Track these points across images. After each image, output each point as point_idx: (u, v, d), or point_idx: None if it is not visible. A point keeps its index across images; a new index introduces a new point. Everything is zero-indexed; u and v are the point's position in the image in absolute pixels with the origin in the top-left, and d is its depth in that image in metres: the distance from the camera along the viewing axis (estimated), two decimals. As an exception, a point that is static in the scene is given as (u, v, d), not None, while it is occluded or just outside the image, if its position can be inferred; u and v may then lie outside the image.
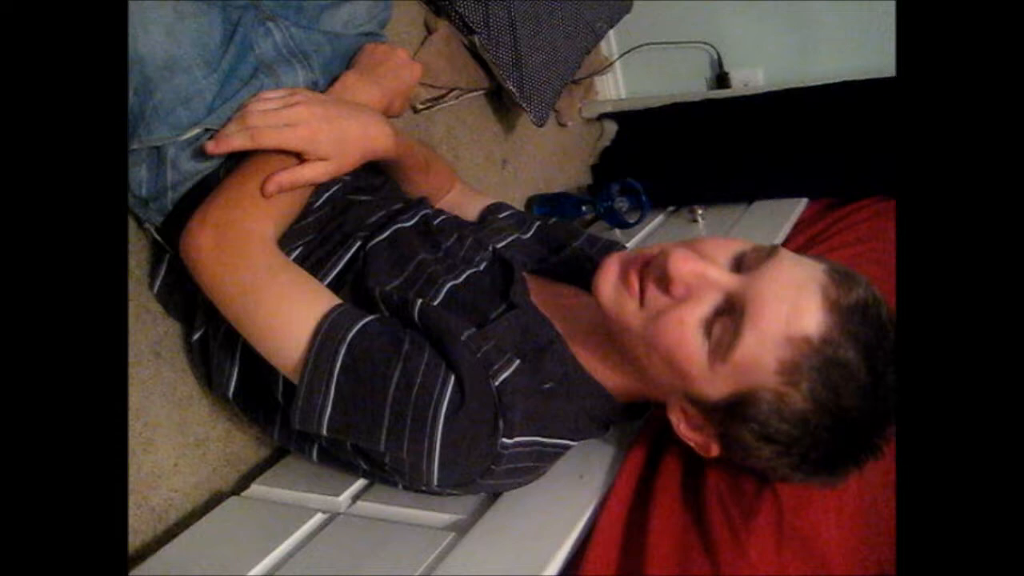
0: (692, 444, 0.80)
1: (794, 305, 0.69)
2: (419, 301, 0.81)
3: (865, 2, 1.79)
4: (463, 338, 0.77)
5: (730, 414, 0.74)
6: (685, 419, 0.80)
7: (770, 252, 0.74)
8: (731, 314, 0.72)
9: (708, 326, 0.73)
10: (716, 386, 0.73)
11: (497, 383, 0.76)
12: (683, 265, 0.73)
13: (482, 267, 0.94)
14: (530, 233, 1.05)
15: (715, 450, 0.79)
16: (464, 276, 0.90)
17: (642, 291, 0.76)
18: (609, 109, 2.11)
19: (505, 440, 0.76)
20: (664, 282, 0.75)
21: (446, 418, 0.73)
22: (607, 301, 0.79)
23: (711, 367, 0.73)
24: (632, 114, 2.07)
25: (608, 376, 0.85)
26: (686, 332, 0.73)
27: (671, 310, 0.74)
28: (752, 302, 0.70)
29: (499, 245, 0.99)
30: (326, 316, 0.78)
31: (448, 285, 0.88)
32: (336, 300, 0.81)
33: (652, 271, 0.76)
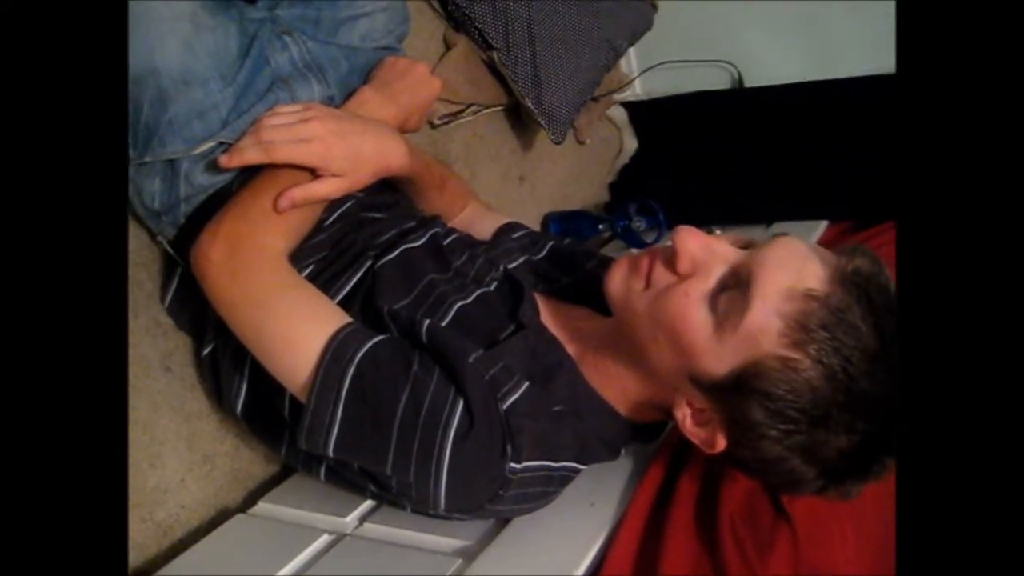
0: (697, 441, 0.78)
1: (798, 269, 0.70)
2: (427, 321, 0.80)
3: (885, 22, 1.77)
4: (471, 360, 0.76)
5: (737, 390, 0.72)
6: (691, 414, 0.78)
7: (774, 236, 0.75)
8: (737, 287, 0.72)
9: (713, 300, 0.73)
10: (723, 360, 0.72)
11: (506, 406, 0.75)
12: (689, 239, 0.75)
13: (492, 287, 0.92)
14: (543, 254, 1.04)
15: (721, 443, 0.76)
16: (474, 296, 0.89)
17: (649, 273, 0.77)
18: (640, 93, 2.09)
19: (514, 465, 0.74)
20: (671, 260, 0.76)
21: (454, 443, 0.72)
22: (615, 290, 0.80)
23: (718, 339, 0.72)
24: (649, 105, 2.06)
25: (618, 396, 0.83)
26: (691, 304, 0.73)
27: (677, 285, 0.75)
28: (758, 268, 0.71)
29: (510, 265, 0.97)
30: (335, 335, 0.77)
31: (457, 305, 0.87)
32: (346, 319, 0.80)
33: (661, 253, 0.78)
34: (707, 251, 0.75)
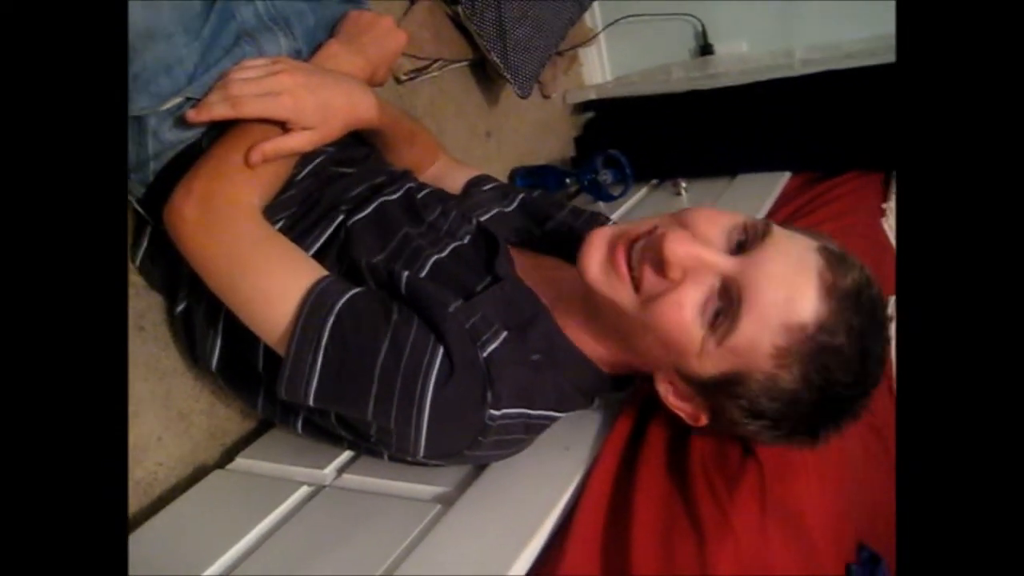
0: (681, 414, 0.81)
1: (791, 291, 0.70)
2: (406, 273, 0.80)
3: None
4: (451, 309, 0.77)
5: (720, 391, 0.76)
6: (673, 390, 0.81)
7: (764, 231, 0.74)
8: (728, 299, 0.72)
9: (705, 310, 0.74)
10: (709, 365, 0.75)
11: (485, 354, 0.76)
12: (679, 248, 0.73)
13: (466, 240, 0.93)
14: (513, 206, 1.05)
15: (703, 420, 0.80)
16: (448, 250, 0.90)
17: (636, 274, 0.77)
18: (593, 96, 2.07)
19: (493, 412, 0.75)
20: (659, 265, 0.74)
21: (435, 388, 0.73)
22: (595, 281, 0.79)
23: (708, 349, 0.73)
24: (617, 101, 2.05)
25: (594, 347, 0.85)
26: (684, 314, 0.73)
27: (668, 293, 0.74)
28: (749, 287, 0.71)
29: (483, 218, 0.98)
30: (314, 287, 0.78)
31: (433, 259, 0.87)
32: (323, 272, 0.80)
33: (646, 254, 0.76)
34: (695, 260, 0.73)
